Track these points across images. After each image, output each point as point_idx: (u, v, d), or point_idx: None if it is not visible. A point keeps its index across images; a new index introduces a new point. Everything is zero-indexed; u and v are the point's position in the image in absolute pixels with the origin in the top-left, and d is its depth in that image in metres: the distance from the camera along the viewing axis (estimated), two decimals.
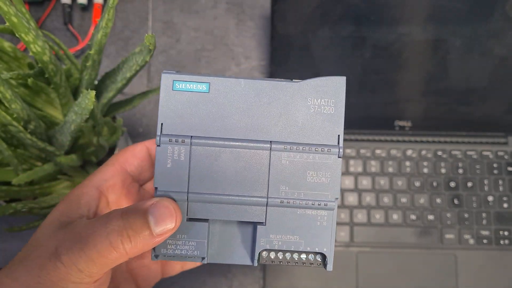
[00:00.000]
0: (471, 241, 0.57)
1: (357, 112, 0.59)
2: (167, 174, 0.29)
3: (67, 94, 0.43)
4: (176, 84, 0.29)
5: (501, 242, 0.57)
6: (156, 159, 0.29)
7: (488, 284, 0.56)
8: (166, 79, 0.29)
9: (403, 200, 0.58)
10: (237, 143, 0.29)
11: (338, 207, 0.58)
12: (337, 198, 0.29)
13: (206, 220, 0.29)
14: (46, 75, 0.39)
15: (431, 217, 0.58)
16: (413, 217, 0.58)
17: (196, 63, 0.65)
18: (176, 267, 0.39)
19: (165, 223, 0.27)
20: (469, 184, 0.59)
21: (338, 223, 0.57)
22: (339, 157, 0.29)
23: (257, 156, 0.29)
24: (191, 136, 0.29)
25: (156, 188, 0.29)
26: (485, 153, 0.60)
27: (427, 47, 0.58)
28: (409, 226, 0.57)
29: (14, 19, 0.34)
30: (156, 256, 0.29)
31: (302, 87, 0.29)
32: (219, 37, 0.66)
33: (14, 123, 0.38)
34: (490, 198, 0.58)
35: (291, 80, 0.30)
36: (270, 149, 0.29)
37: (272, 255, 0.30)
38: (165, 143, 0.29)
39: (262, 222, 0.29)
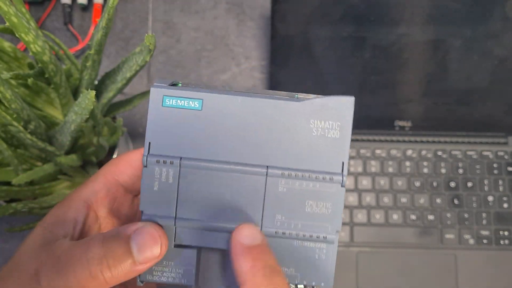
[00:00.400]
0: (471, 241, 0.57)
1: (357, 112, 0.59)
2: (154, 197, 0.27)
3: (67, 94, 0.43)
4: (167, 100, 0.26)
5: (501, 242, 0.57)
6: (142, 181, 0.27)
7: (488, 284, 0.56)
8: (156, 93, 0.26)
9: (403, 200, 0.58)
10: (230, 167, 0.26)
11: None
12: (338, 231, 0.27)
13: (194, 247, 0.27)
14: (46, 75, 0.39)
15: (431, 217, 0.58)
16: (413, 217, 0.58)
17: (196, 63, 0.65)
18: None
19: (150, 251, 0.25)
20: (469, 184, 0.59)
21: None
22: (342, 186, 0.26)
23: (251, 182, 0.26)
24: (181, 158, 0.26)
25: (142, 211, 0.27)
26: (485, 153, 0.60)
27: (427, 47, 0.58)
28: (409, 226, 0.57)
29: (14, 19, 0.34)
30: (142, 282, 0.27)
31: (305, 107, 0.26)
32: (219, 37, 0.66)
33: (14, 123, 0.38)
34: (490, 198, 0.58)
35: (295, 95, 0.27)
36: (267, 174, 0.26)
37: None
38: (152, 164, 0.26)
39: None
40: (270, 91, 0.28)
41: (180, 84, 0.28)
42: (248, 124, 0.26)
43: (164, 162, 0.26)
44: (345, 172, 0.26)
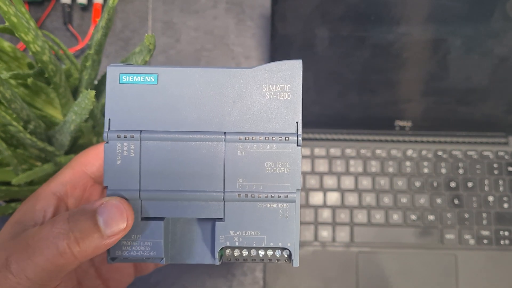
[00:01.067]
0: (472, 241, 0.57)
1: (357, 112, 0.59)
2: (117, 172, 0.27)
3: (66, 94, 0.43)
4: (123, 77, 0.27)
5: (502, 242, 0.57)
6: (104, 157, 0.27)
7: (489, 284, 0.56)
8: (112, 71, 0.27)
9: (404, 200, 0.58)
10: (189, 136, 0.27)
11: (339, 207, 0.58)
12: (298, 189, 0.28)
13: (161, 219, 0.28)
14: (46, 75, 0.39)
15: (431, 217, 0.58)
16: (413, 217, 0.58)
17: (196, 63, 0.65)
18: (149, 265, 0.37)
19: (116, 224, 0.26)
20: (470, 184, 0.59)
21: (338, 223, 0.57)
22: (298, 145, 0.27)
23: (211, 149, 0.27)
24: (141, 131, 0.27)
25: (106, 187, 0.27)
26: (485, 153, 0.60)
27: (427, 47, 0.58)
28: (409, 226, 0.57)
29: (14, 19, 0.34)
30: (112, 259, 0.28)
31: (256, 73, 0.28)
32: (219, 37, 0.66)
33: (14, 123, 0.38)
34: (491, 198, 0.58)
35: (249, 67, 0.28)
36: (224, 140, 0.27)
37: (236, 252, 0.28)
38: (113, 139, 0.27)
39: (221, 218, 0.28)
40: (223, 66, 0.29)
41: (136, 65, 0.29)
42: (203, 94, 0.27)
43: (125, 136, 0.27)
44: (300, 131, 0.28)
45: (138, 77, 0.27)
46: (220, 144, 0.27)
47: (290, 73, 0.28)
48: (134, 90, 0.27)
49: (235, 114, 0.28)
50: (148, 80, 0.27)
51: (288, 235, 0.28)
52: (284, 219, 0.28)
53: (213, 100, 0.27)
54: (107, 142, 0.27)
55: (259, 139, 0.27)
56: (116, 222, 0.26)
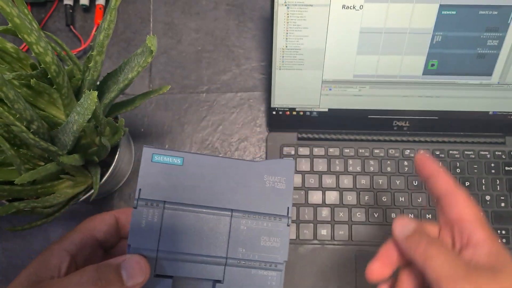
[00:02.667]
0: None
1: (357, 112, 0.60)
2: (140, 233, 0.32)
3: (69, 95, 0.44)
4: (155, 157, 0.33)
5: (499, 241, 0.57)
6: (131, 219, 0.32)
7: None
8: (147, 152, 0.33)
9: (402, 199, 0.59)
10: (203, 210, 0.33)
11: (338, 205, 0.58)
12: (285, 261, 0.33)
13: (171, 277, 0.32)
14: (49, 76, 0.40)
15: (429, 216, 0.58)
16: (411, 216, 0.58)
17: (197, 64, 0.66)
18: None
19: (136, 277, 0.30)
20: (467, 183, 0.59)
21: (337, 222, 0.58)
22: (288, 225, 0.34)
23: (220, 222, 0.33)
24: (165, 202, 0.33)
25: (129, 245, 0.32)
26: (483, 152, 0.60)
27: None
28: None
29: (17, 20, 0.35)
30: None
31: (261, 166, 0.34)
32: (220, 38, 0.67)
33: (17, 123, 0.38)
34: (488, 198, 0.59)
35: (254, 159, 0.33)
36: (231, 216, 0.33)
37: None
38: (141, 206, 0.32)
39: (220, 280, 0.33)
40: (238, 158, 0.36)
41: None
42: (217, 177, 0.34)
43: (151, 204, 0.33)
44: (290, 214, 0.34)
45: (167, 158, 0.33)
46: (227, 218, 0.33)
47: (286, 168, 0.35)
48: (163, 168, 0.33)
49: (242, 196, 0.34)
50: (175, 161, 0.33)
51: None
52: (271, 285, 0.33)
53: (225, 182, 0.34)
54: (135, 208, 0.32)
55: (258, 217, 0.34)
56: (137, 276, 0.30)
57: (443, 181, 0.33)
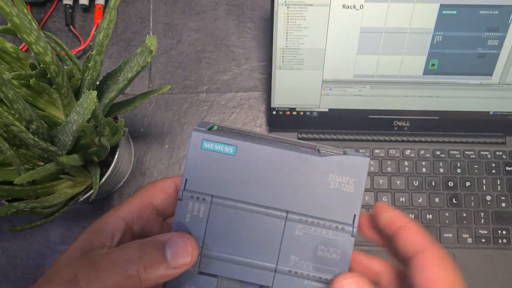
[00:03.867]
0: (469, 240, 0.57)
1: (357, 112, 0.60)
2: (184, 228, 0.29)
3: (69, 95, 0.44)
4: (205, 144, 0.29)
5: (499, 241, 0.57)
6: (176, 213, 0.29)
7: (486, 283, 0.56)
8: (196, 137, 0.30)
9: (402, 199, 0.59)
10: (255, 208, 0.29)
11: None
12: None
13: (215, 276, 0.30)
14: (48, 76, 0.40)
15: (429, 216, 0.58)
16: (411, 216, 0.58)
17: (197, 64, 0.66)
18: None
19: (182, 257, 0.28)
20: (468, 183, 0.59)
21: None
22: (352, 236, 0.29)
23: (272, 223, 0.29)
24: (212, 195, 0.29)
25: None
26: (483, 152, 0.60)
27: None
28: None
29: (16, 20, 0.35)
30: None
31: (325, 162, 0.29)
32: (220, 38, 0.67)
33: (17, 123, 0.38)
34: (488, 198, 0.59)
35: (316, 146, 0.30)
36: (286, 218, 0.29)
37: None
38: (187, 199, 0.29)
39: (269, 286, 0.29)
40: (297, 140, 0.31)
41: (215, 127, 0.31)
42: (274, 172, 0.29)
43: (198, 198, 0.29)
44: (356, 224, 0.29)
45: (219, 146, 0.29)
46: (281, 221, 0.29)
47: (357, 168, 0.29)
48: (212, 156, 0.29)
49: (300, 196, 0.29)
50: (227, 150, 0.29)
51: None
52: None
53: (282, 179, 0.29)
54: (181, 200, 0.29)
55: (317, 223, 0.29)
56: (182, 255, 0.28)
57: (414, 237, 0.29)
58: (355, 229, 0.29)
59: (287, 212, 0.29)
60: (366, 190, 0.59)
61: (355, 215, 0.29)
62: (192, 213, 0.29)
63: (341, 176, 0.29)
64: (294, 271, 0.29)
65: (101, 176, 0.50)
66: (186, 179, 0.30)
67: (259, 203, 0.29)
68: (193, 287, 0.30)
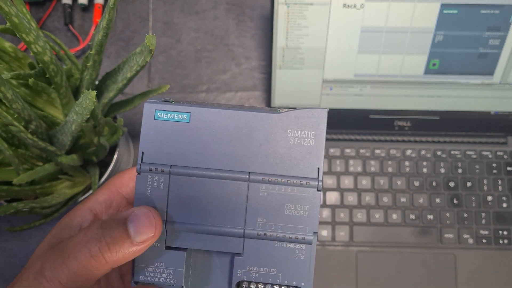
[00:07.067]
0: (470, 241, 0.57)
1: (357, 112, 0.60)
2: (146, 202, 0.29)
3: (68, 94, 0.44)
4: (158, 114, 0.29)
5: (500, 241, 0.57)
6: (136, 187, 0.29)
7: (488, 284, 0.56)
8: (149, 108, 0.29)
9: (403, 199, 0.58)
10: (216, 173, 0.29)
11: (338, 206, 0.58)
12: (315, 232, 0.29)
13: (184, 249, 0.29)
14: (47, 75, 0.40)
15: (430, 216, 0.58)
16: (412, 216, 0.58)
17: (196, 64, 0.66)
18: None
19: (145, 231, 0.27)
20: (469, 184, 0.59)
21: (338, 223, 0.58)
22: (318, 190, 0.28)
23: (235, 187, 0.29)
24: (171, 166, 0.29)
25: None
26: (484, 153, 0.60)
27: None
28: (408, 225, 0.58)
29: (15, 20, 0.34)
30: (136, 283, 0.29)
31: (283, 119, 0.29)
32: (219, 37, 0.67)
33: (15, 123, 0.38)
34: (490, 198, 0.58)
35: (277, 109, 0.30)
36: (249, 180, 0.28)
37: (252, 286, 0.29)
38: (145, 172, 0.29)
39: (240, 253, 0.29)
40: (256, 106, 0.30)
41: (172, 102, 0.30)
42: (231, 135, 0.29)
43: (156, 170, 0.29)
44: (320, 177, 0.28)
45: (172, 115, 0.29)
46: (244, 183, 0.28)
47: (315, 120, 0.29)
48: (167, 126, 0.29)
49: (260, 156, 0.29)
50: (181, 118, 0.29)
51: (302, 275, 0.29)
52: (300, 259, 0.29)
53: (240, 141, 0.29)
54: (139, 174, 0.29)
55: (281, 181, 0.28)
56: (145, 229, 0.27)
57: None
58: (320, 183, 0.28)
59: (249, 173, 0.28)
60: (367, 190, 0.59)
61: (318, 169, 0.28)
62: (152, 186, 0.29)
63: (300, 131, 0.29)
64: (263, 233, 0.28)
65: (100, 176, 0.50)
66: (143, 152, 0.29)
67: (219, 168, 0.29)
68: (162, 263, 0.29)
